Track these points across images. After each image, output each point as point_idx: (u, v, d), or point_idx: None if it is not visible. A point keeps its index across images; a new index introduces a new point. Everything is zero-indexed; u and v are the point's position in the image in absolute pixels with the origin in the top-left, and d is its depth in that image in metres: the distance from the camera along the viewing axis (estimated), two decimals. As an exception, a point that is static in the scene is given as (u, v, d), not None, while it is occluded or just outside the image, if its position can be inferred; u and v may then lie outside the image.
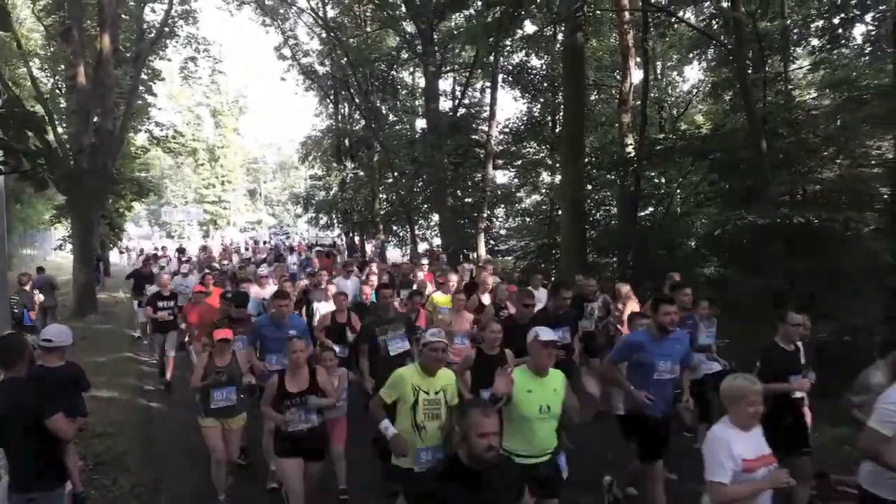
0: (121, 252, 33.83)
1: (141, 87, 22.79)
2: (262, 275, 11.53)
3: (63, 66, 21.37)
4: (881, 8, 13.82)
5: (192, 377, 5.93)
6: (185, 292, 11.57)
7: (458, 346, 6.94)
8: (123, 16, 20.34)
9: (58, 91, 23.40)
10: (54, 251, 31.12)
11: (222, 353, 5.94)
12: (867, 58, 15.40)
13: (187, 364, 9.29)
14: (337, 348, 6.71)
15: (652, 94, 20.09)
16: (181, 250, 26.77)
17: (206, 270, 13.76)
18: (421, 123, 28.83)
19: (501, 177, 26.71)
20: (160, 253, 23.22)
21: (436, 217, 26.41)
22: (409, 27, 25.08)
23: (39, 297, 12.44)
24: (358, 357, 6.69)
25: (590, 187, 16.84)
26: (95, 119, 17.60)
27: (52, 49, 22.50)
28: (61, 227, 27.00)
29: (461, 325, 7.44)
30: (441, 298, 8.75)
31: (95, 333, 14.52)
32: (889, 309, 9.00)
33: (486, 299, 8.72)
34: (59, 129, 19.32)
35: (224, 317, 7.51)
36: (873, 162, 13.55)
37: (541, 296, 8.69)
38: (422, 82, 27.12)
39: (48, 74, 24.17)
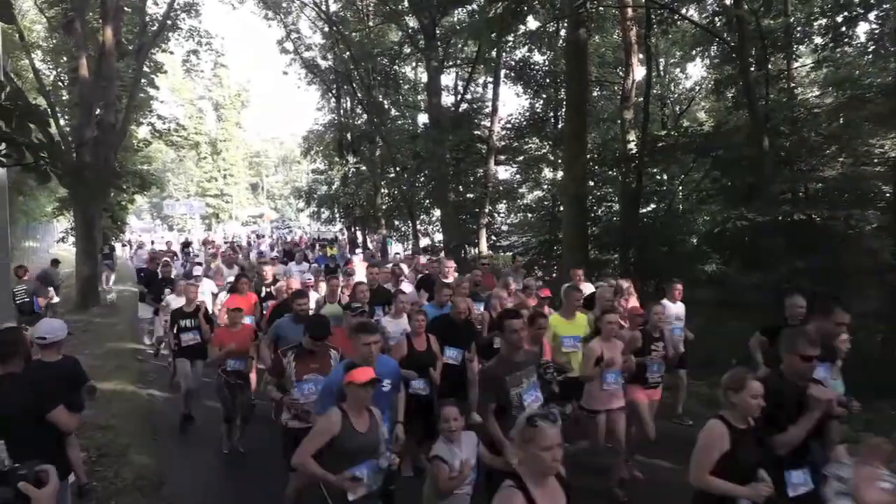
0: (123, 245, 33.84)
1: (143, 80, 22.77)
2: (306, 281, 9.64)
3: (65, 59, 21.40)
4: (885, 6, 13.78)
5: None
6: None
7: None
8: (126, 8, 20.35)
9: (60, 83, 23.41)
10: (57, 244, 31.17)
11: (359, 411, 3.81)
12: (870, 56, 15.38)
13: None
14: (420, 385, 5.93)
15: (654, 91, 20.07)
16: (186, 244, 26.70)
17: (238, 270, 12.13)
18: (423, 118, 28.81)
19: (503, 172, 26.77)
20: (166, 248, 21.98)
21: (437, 212, 26.43)
22: (412, 22, 25.03)
23: (51, 293, 12.51)
24: (485, 419, 4.55)
25: (592, 184, 16.81)
26: (98, 112, 17.62)
27: (54, 41, 22.50)
28: (64, 220, 27.07)
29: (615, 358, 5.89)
30: (561, 322, 6.69)
31: (98, 326, 14.56)
32: (889, 307, 9.01)
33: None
34: (62, 122, 19.33)
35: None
36: (875, 160, 13.56)
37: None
38: (424, 77, 27.10)
39: (50, 67, 24.16)
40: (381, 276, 9.30)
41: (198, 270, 11.68)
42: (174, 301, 9.56)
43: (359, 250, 20.40)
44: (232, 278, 11.23)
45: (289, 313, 6.72)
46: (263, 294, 9.85)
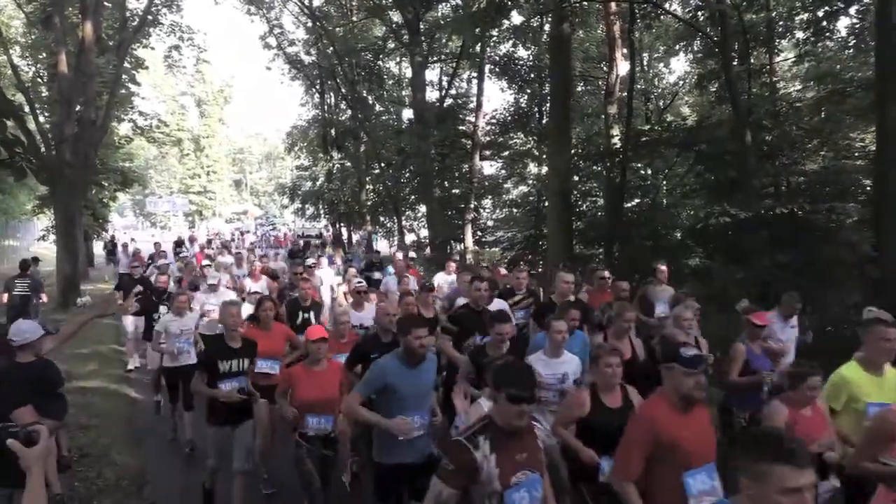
0: (105, 246, 33.47)
1: (124, 76, 22.53)
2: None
3: (44, 54, 21.11)
4: (864, 1, 13.93)
5: None
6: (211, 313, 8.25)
7: None
8: (106, 3, 20.08)
9: (39, 80, 23.10)
10: (37, 242, 30.80)
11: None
12: (851, 51, 15.55)
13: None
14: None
15: (638, 86, 20.14)
16: (179, 243, 25.74)
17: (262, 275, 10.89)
18: (408, 114, 28.79)
19: (488, 168, 26.80)
20: (156, 250, 18.43)
21: (423, 208, 26.42)
22: (396, 17, 24.96)
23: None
24: None
25: (576, 178, 16.85)
26: (77, 108, 17.40)
27: (33, 37, 22.18)
28: (44, 218, 26.74)
29: None
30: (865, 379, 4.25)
31: (70, 318, 14.37)
32: (870, 299, 9.10)
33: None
34: (41, 119, 19.06)
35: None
36: (856, 154, 13.72)
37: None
38: (408, 72, 27.04)
39: (29, 63, 23.82)
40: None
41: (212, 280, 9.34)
42: (173, 323, 7.26)
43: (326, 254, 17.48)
44: (257, 288, 10.04)
45: (383, 347, 5.03)
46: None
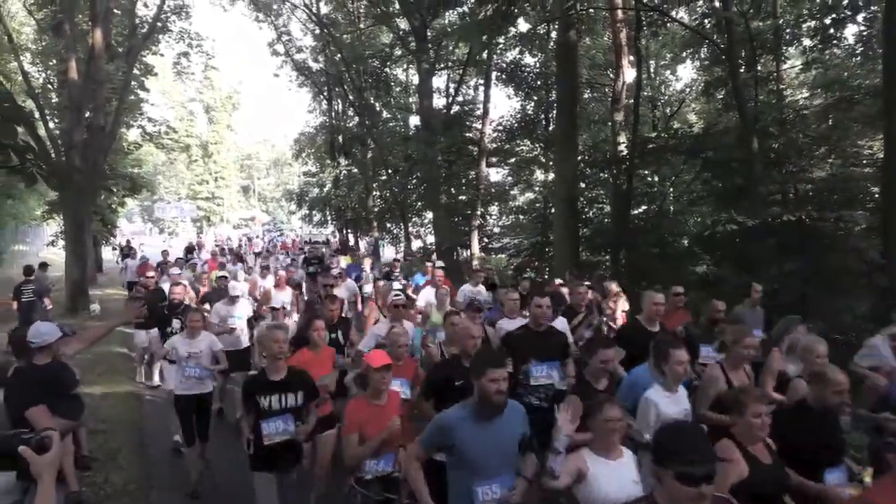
0: (113, 249, 33.64)
1: (133, 83, 22.69)
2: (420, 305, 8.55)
3: (54, 61, 21.28)
4: (872, 8, 13.91)
5: None
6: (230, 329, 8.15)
7: None
8: (115, 10, 20.25)
9: (49, 86, 23.28)
10: (46, 247, 30.96)
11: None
12: (858, 58, 15.51)
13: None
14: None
15: (645, 93, 20.16)
16: (190, 249, 25.03)
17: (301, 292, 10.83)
18: (415, 120, 28.83)
19: (495, 174, 26.79)
20: (164, 258, 16.99)
21: (429, 214, 26.42)
22: (403, 24, 25.04)
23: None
24: None
25: (583, 185, 16.86)
26: (87, 114, 17.52)
27: (43, 43, 22.37)
28: (53, 223, 26.90)
29: None
30: None
31: (86, 322, 14.43)
32: (877, 307, 9.06)
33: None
34: (51, 125, 19.20)
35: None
36: (864, 161, 13.67)
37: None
38: (415, 79, 27.11)
39: (40, 69, 24.02)
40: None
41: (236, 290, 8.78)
42: (182, 344, 6.39)
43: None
44: (284, 299, 9.62)
45: (641, 362, 4.56)
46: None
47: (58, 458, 2.22)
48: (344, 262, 15.50)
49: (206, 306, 8.81)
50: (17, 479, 2.38)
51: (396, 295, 6.69)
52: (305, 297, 11.30)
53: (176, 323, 7.62)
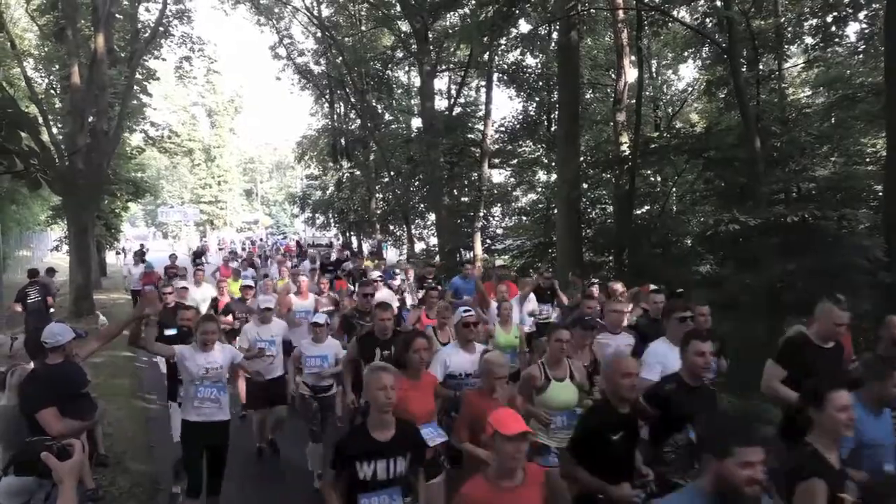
0: (117, 253, 33.74)
1: (136, 87, 22.75)
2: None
3: (57, 66, 21.34)
4: (874, 6, 13.90)
5: None
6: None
7: None
8: (118, 15, 20.33)
9: (52, 91, 23.35)
10: (50, 252, 31.04)
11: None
12: (860, 56, 15.50)
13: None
14: None
15: (647, 93, 20.16)
16: (199, 254, 24.94)
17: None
18: (417, 123, 28.92)
19: (497, 176, 26.83)
20: (171, 262, 16.01)
21: (432, 216, 26.45)
22: (404, 26, 25.12)
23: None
24: None
25: (585, 186, 16.86)
26: (90, 119, 17.58)
27: (46, 49, 22.44)
28: (57, 229, 26.97)
29: None
30: None
31: (93, 333, 14.45)
32: (883, 306, 9.05)
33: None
34: (54, 130, 19.27)
35: None
36: (867, 159, 13.65)
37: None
38: (417, 81, 27.17)
39: (42, 74, 24.09)
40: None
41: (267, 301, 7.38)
42: (194, 358, 5.15)
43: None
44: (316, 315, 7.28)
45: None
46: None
47: (79, 465, 2.24)
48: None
49: (229, 318, 8.31)
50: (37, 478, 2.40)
51: (467, 311, 5.33)
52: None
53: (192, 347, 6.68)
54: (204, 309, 9.21)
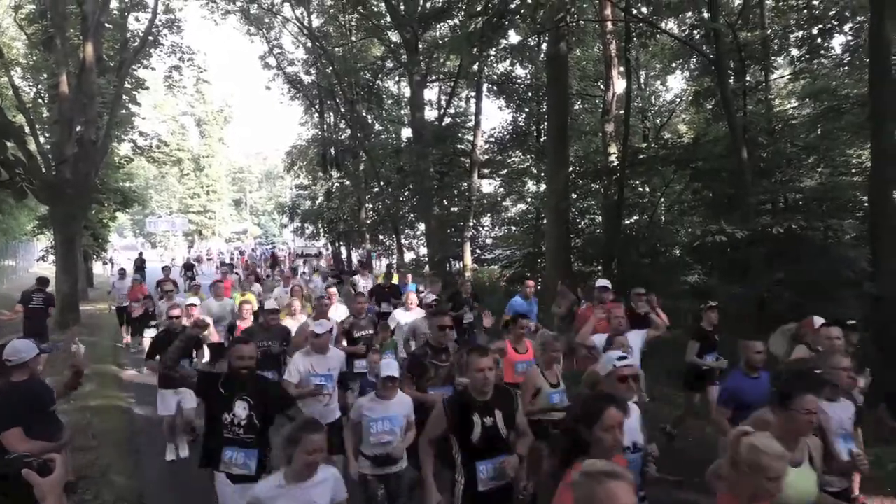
0: (104, 263, 33.52)
1: (125, 97, 22.70)
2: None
3: (45, 76, 21.26)
4: (858, 19, 14.07)
5: None
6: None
7: None
8: (107, 24, 20.28)
9: (40, 100, 23.26)
10: (36, 262, 30.80)
11: None
12: (846, 68, 15.66)
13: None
14: None
15: (635, 104, 20.27)
16: (190, 266, 24.19)
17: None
18: (406, 133, 28.96)
19: (487, 186, 26.87)
20: (165, 276, 14.63)
21: (422, 226, 26.44)
22: (395, 37, 25.19)
23: None
24: None
25: (574, 196, 16.92)
26: (78, 128, 17.49)
27: (34, 58, 22.37)
28: (44, 239, 26.77)
29: None
30: None
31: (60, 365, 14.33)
32: (869, 316, 9.10)
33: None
34: (42, 139, 19.17)
35: None
36: (853, 170, 13.77)
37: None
38: (407, 91, 27.21)
39: (30, 83, 24.00)
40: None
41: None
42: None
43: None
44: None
45: None
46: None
47: (62, 480, 2.21)
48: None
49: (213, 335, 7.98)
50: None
51: (622, 358, 3.77)
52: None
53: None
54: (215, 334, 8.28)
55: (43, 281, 12.82)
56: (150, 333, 9.90)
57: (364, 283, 13.35)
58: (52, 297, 12.87)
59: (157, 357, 6.42)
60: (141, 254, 29.66)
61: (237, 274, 17.14)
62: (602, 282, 8.23)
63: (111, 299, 16.38)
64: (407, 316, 8.30)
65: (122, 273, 16.78)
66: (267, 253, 36.65)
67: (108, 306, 16.02)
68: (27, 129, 17.82)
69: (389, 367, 4.70)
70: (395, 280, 13.51)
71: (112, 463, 7.21)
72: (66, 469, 5.68)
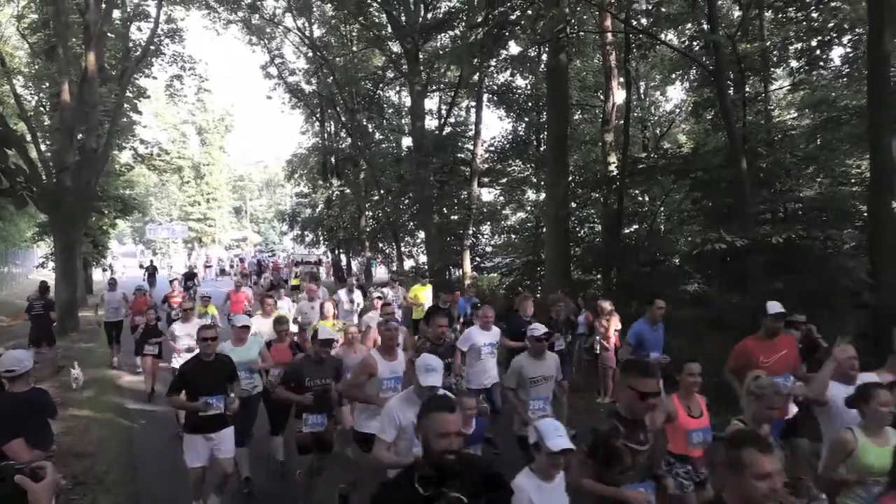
0: (104, 270, 33.51)
1: (126, 105, 22.77)
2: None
3: (47, 84, 21.35)
4: (857, 31, 14.14)
5: None
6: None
7: None
8: (109, 34, 20.37)
9: (42, 109, 23.33)
10: (36, 269, 30.82)
11: None
12: (845, 79, 15.73)
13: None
14: None
15: (635, 114, 20.33)
16: (190, 276, 22.97)
17: None
18: (407, 142, 29.01)
19: (487, 195, 26.90)
20: (174, 290, 13.74)
21: (422, 234, 26.45)
22: (395, 47, 25.28)
23: None
24: None
25: (574, 205, 16.94)
26: (79, 137, 17.56)
27: (36, 67, 22.46)
28: (44, 245, 26.80)
29: None
30: None
31: (77, 352, 14.35)
32: (868, 326, 9.11)
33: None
34: (43, 147, 19.23)
35: None
36: (852, 180, 13.80)
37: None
38: (408, 101, 27.30)
39: (32, 92, 24.10)
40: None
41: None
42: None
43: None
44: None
45: None
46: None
47: (54, 486, 2.23)
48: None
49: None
50: None
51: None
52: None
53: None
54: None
55: (43, 287, 13.11)
56: (151, 350, 10.11)
57: (394, 296, 12.82)
58: (52, 302, 13.10)
59: (182, 391, 5.56)
60: (152, 261, 29.57)
61: (251, 287, 16.48)
62: (775, 306, 5.86)
63: (99, 312, 14.44)
64: (488, 337, 7.36)
65: (113, 284, 14.86)
66: (267, 260, 36.58)
67: (97, 321, 14.67)
68: (29, 138, 17.88)
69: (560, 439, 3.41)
70: (424, 292, 13.56)
71: (109, 469, 7.20)
72: (56, 476, 5.70)
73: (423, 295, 13.55)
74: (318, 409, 5.61)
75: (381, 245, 30.55)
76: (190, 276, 23.06)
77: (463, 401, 4.12)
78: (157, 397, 9.94)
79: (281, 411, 6.81)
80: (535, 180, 23.55)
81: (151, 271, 25.88)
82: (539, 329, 5.65)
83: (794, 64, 16.19)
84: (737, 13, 17.11)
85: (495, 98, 24.07)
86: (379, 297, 10.80)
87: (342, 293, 12.17)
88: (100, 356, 14.21)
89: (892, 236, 9.53)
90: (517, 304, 8.62)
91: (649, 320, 7.74)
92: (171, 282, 15.15)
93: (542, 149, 22.18)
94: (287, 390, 5.68)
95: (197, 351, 5.92)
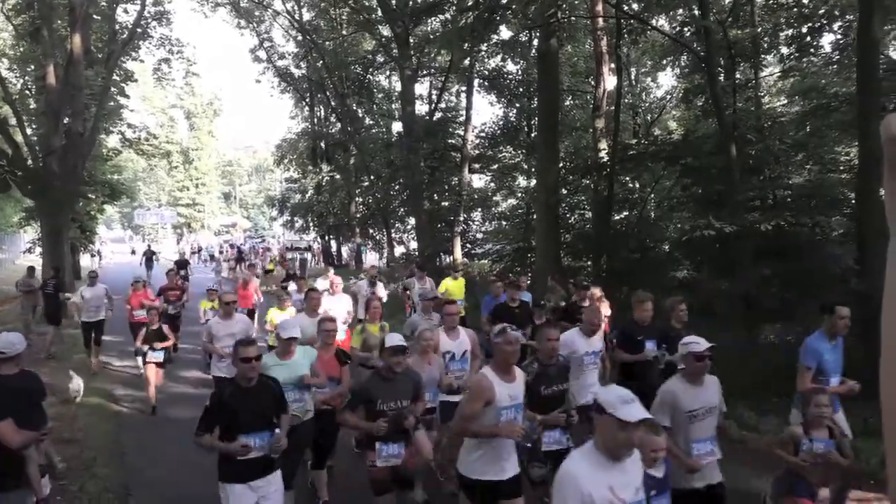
0: (92, 256, 33.24)
1: (113, 89, 22.49)
2: None
3: (33, 67, 21.06)
4: (847, 18, 14.14)
5: None
6: None
7: None
8: (95, 16, 20.11)
9: (27, 92, 23.02)
10: (23, 254, 30.56)
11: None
12: (835, 66, 15.75)
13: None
14: None
15: (626, 100, 20.28)
16: (182, 265, 20.62)
17: None
18: (397, 127, 28.94)
19: (478, 181, 26.87)
20: (170, 281, 12.90)
21: (412, 220, 26.42)
22: (385, 31, 25.11)
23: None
24: None
25: (564, 191, 16.94)
26: (66, 120, 17.36)
27: (21, 49, 22.13)
28: (31, 230, 26.56)
29: None
30: None
31: (65, 338, 14.26)
32: (856, 313, 9.17)
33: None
34: (29, 131, 18.99)
35: None
36: (841, 168, 13.86)
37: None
38: (398, 86, 27.18)
39: (17, 75, 23.75)
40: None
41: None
42: None
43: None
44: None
45: None
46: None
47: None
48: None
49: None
50: None
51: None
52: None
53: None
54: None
55: (31, 271, 13.76)
56: (156, 357, 8.81)
57: (421, 289, 11.12)
58: (63, 283, 14.09)
59: (214, 427, 4.34)
60: (150, 246, 29.08)
61: (258, 276, 15.18)
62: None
63: (76, 310, 12.52)
64: (590, 344, 6.26)
65: (94, 278, 12.50)
66: (257, 246, 36.41)
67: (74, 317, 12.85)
68: (14, 121, 17.65)
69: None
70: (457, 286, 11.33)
71: (97, 455, 7.18)
72: (52, 455, 5.70)
73: (456, 290, 11.31)
74: (395, 437, 4.54)
75: (371, 231, 30.50)
76: (182, 265, 20.46)
77: (652, 439, 3.47)
78: (159, 399, 9.21)
79: (327, 438, 5.75)
80: (525, 166, 23.52)
81: (149, 256, 25.52)
82: (701, 344, 4.35)
83: (784, 50, 16.20)
84: (728, -1, 17.09)
85: (486, 83, 24.00)
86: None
87: (363, 284, 11.07)
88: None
89: (880, 223, 9.58)
90: (633, 304, 6.89)
91: (828, 334, 5.74)
92: (167, 273, 13.94)
93: (532, 135, 22.15)
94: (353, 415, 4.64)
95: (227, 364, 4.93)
